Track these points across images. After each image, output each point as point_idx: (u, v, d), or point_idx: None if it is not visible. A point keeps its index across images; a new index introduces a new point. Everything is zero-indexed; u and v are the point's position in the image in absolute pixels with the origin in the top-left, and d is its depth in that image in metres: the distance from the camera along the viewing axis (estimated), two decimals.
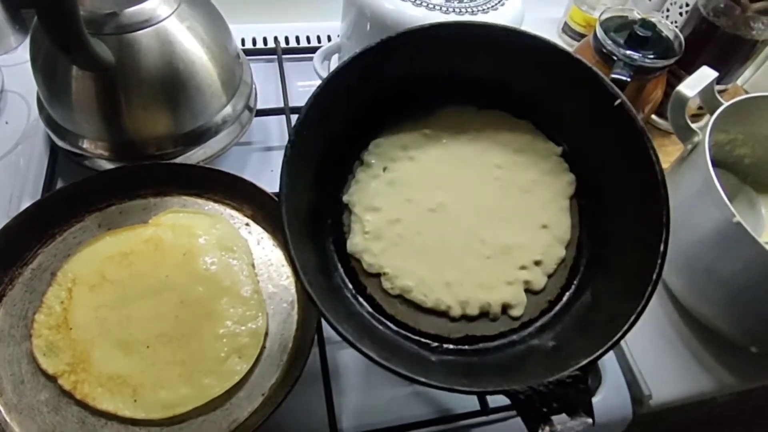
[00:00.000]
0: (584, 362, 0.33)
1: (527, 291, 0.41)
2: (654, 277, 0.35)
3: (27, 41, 0.65)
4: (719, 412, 0.57)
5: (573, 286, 0.42)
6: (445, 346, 0.40)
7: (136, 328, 0.42)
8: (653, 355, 0.50)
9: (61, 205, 0.47)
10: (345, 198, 0.44)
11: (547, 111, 0.45)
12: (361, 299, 0.41)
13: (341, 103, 0.41)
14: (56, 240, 0.47)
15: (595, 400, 0.47)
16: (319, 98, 0.38)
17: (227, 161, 0.58)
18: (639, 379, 0.48)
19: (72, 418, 0.39)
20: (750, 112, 0.52)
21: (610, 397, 0.48)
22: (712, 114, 0.49)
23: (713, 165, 0.45)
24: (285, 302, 0.45)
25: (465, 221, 0.43)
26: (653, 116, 0.67)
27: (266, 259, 0.48)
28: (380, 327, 0.40)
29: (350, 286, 0.42)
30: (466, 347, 0.40)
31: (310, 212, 0.41)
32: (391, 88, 0.44)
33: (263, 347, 0.43)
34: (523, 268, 0.42)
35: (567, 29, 0.77)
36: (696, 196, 0.47)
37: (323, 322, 0.39)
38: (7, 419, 0.38)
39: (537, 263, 0.42)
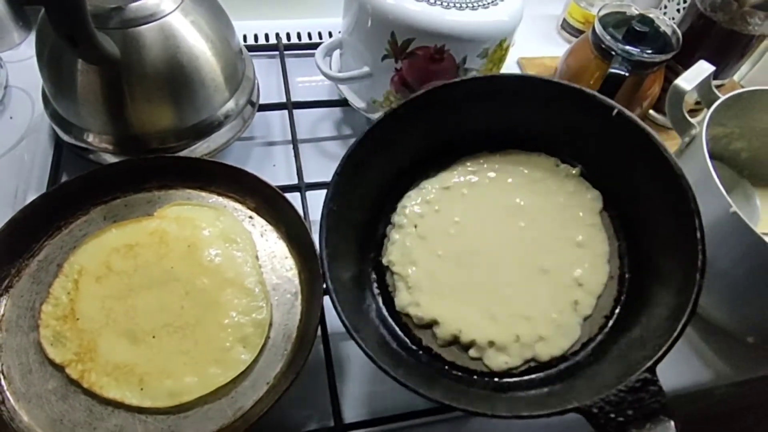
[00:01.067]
0: (650, 363, 0.33)
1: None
2: (698, 276, 0.36)
3: (31, 37, 0.67)
4: (719, 407, 0.57)
5: (623, 297, 0.42)
6: (509, 380, 0.41)
7: (141, 319, 0.43)
8: None
9: (67, 197, 0.47)
10: (385, 260, 0.46)
11: (556, 139, 0.47)
12: (420, 352, 0.43)
13: (364, 173, 0.45)
14: (62, 232, 0.47)
15: None
16: (342, 174, 0.43)
17: (230, 156, 0.58)
18: None
19: (79, 406, 0.40)
20: (747, 106, 0.52)
21: None
22: (709, 108, 0.49)
23: (710, 158, 0.46)
24: (288, 293, 0.46)
25: (501, 259, 0.44)
26: (651, 111, 0.68)
27: (270, 251, 0.48)
28: (442, 374, 0.41)
29: (407, 340, 0.43)
30: (533, 376, 0.41)
31: (353, 279, 0.44)
32: (407, 153, 0.48)
33: (267, 337, 0.43)
34: (575, 302, 0.42)
35: (566, 26, 0.77)
36: (693, 188, 0.47)
37: (331, 314, 0.39)
38: (16, 408, 0.39)
39: (581, 285, 0.42)
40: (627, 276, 0.42)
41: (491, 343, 0.41)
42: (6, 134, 0.57)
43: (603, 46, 0.59)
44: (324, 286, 0.42)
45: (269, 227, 0.50)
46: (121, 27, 0.46)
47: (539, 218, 0.44)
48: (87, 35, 0.41)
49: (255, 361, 0.42)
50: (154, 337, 0.42)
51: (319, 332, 0.43)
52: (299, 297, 0.46)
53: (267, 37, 0.71)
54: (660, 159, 0.39)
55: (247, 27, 0.71)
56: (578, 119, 0.44)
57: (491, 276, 0.43)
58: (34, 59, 0.64)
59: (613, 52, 0.58)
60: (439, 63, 0.53)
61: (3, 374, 0.40)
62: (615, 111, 0.41)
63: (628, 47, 0.58)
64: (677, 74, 0.63)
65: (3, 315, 0.43)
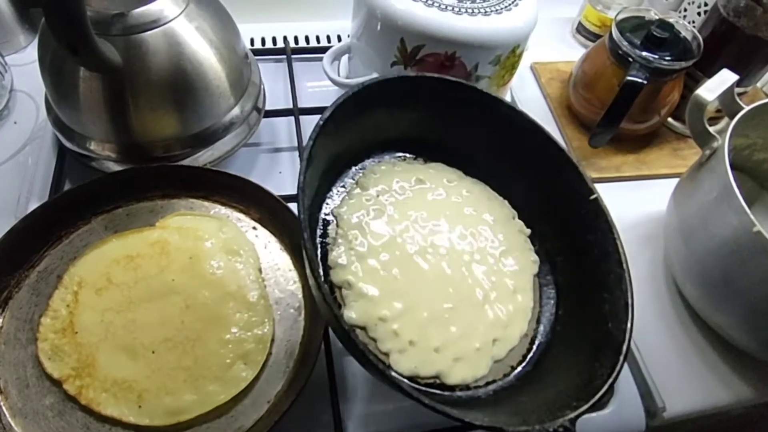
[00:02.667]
0: (572, 415, 0.33)
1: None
2: (621, 358, 0.36)
3: (36, 41, 0.66)
4: (734, 422, 0.55)
5: (531, 356, 0.43)
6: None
7: (141, 333, 0.42)
8: (667, 366, 0.49)
9: (67, 207, 0.47)
10: (335, 210, 0.44)
11: (521, 192, 0.49)
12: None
13: (359, 116, 0.43)
14: (63, 242, 0.46)
15: (607, 411, 0.46)
16: (344, 105, 0.40)
17: (235, 163, 0.57)
18: (653, 391, 0.47)
19: (76, 423, 0.39)
20: None
21: (622, 408, 0.46)
22: (731, 118, 0.47)
23: (731, 169, 0.44)
24: (292, 308, 0.45)
25: (440, 277, 0.43)
26: (669, 119, 0.65)
27: (273, 264, 0.47)
28: None
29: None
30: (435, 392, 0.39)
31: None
32: (397, 127, 0.47)
33: (269, 353, 0.42)
34: (494, 341, 0.42)
35: (581, 29, 0.75)
36: (714, 203, 0.45)
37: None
38: (12, 423, 0.38)
39: (505, 328, 0.42)
40: (539, 340, 0.44)
41: (411, 342, 0.39)
42: (10, 139, 0.57)
43: (620, 52, 0.57)
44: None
45: (273, 238, 0.48)
46: (123, 34, 0.45)
47: (487, 255, 0.45)
48: (87, 43, 0.40)
49: (256, 378, 0.41)
50: (153, 352, 0.41)
51: (322, 348, 0.42)
52: (302, 312, 0.45)
53: (275, 40, 0.70)
54: (615, 253, 0.41)
55: (253, 30, 0.70)
56: (550, 184, 0.46)
57: (429, 283, 0.42)
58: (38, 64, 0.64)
59: (631, 59, 0.56)
60: (450, 70, 0.51)
61: (0, 389, 0.39)
62: (593, 196, 0.44)
63: (646, 53, 0.56)
64: (697, 81, 0.61)
65: (2, 327, 0.42)
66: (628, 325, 0.38)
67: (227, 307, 0.43)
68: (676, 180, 0.57)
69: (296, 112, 0.60)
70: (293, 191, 0.53)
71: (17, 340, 0.42)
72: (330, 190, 0.45)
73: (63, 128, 0.50)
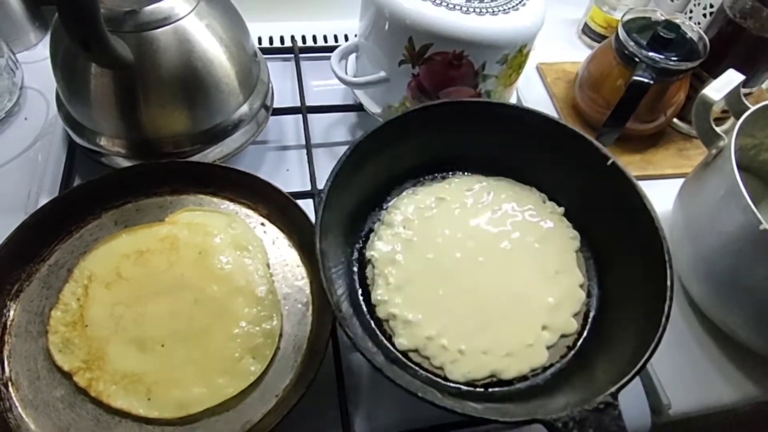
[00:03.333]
0: (614, 389, 0.34)
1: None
2: (666, 308, 0.37)
3: (47, 38, 0.66)
4: (740, 420, 0.55)
5: (585, 333, 0.44)
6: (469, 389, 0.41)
7: (150, 326, 0.42)
8: (673, 364, 0.49)
9: (78, 202, 0.47)
10: (368, 253, 0.45)
11: (547, 176, 0.50)
12: (390, 348, 0.42)
13: (369, 163, 0.45)
14: (73, 237, 0.47)
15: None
16: (351, 156, 0.42)
17: (243, 160, 0.57)
18: (658, 389, 0.47)
19: (86, 415, 0.39)
20: None
21: (628, 406, 0.45)
22: (737, 118, 0.48)
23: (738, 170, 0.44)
24: (300, 303, 0.45)
25: (481, 276, 0.45)
26: (675, 120, 0.65)
27: (281, 259, 0.47)
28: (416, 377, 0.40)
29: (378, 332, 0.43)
30: (493, 390, 0.41)
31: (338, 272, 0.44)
32: (412, 156, 0.49)
33: (277, 348, 0.43)
34: (544, 328, 0.43)
35: (587, 30, 0.76)
36: (720, 202, 0.45)
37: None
38: (23, 415, 0.38)
39: (552, 313, 0.44)
40: (592, 314, 0.45)
41: (461, 352, 0.41)
42: (21, 135, 0.57)
43: (626, 52, 0.57)
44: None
45: (281, 235, 0.49)
46: (135, 30, 0.45)
47: (523, 245, 0.47)
48: (100, 39, 0.40)
49: (264, 372, 0.41)
50: (163, 345, 0.41)
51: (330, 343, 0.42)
52: (310, 307, 0.45)
53: (282, 39, 0.70)
54: (643, 211, 0.42)
55: (261, 29, 0.71)
56: (571, 162, 0.47)
57: (469, 290, 0.44)
58: (48, 60, 0.65)
59: (637, 59, 0.56)
60: (458, 69, 0.51)
61: (11, 380, 0.40)
62: (609, 161, 0.45)
63: (652, 54, 0.56)
64: (703, 81, 0.61)
65: (13, 320, 0.42)
66: (668, 293, 0.39)
67: (236, 302, 0.44)
68: (681, 180, 0.57)
69: (304, 110, 0.60)
70: (300, 188, 0.54)
71: (28, 332, 0.42)
72: (360, 232, 0.47)
73: (74, 124, 0.51)
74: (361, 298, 0.44)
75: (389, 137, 0.45)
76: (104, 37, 0.40)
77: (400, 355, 0.42)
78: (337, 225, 0.44)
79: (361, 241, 0.47)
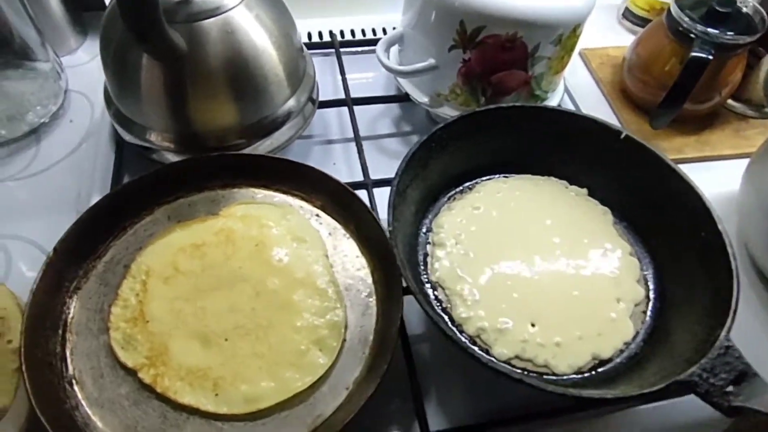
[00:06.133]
0: (724, 331, 0.35)
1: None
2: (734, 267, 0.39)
3: (87, 43, 0.67)
4: None
5: (653, 293, 0.45)
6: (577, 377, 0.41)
7: (212, 321, 0.41)
8: (752, 346, 0.46)
9: (131, 198, 0.46)
10: (433, 277, 0.45)
11: (564, 163, 0.51)
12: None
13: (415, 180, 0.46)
14: (127, 233, 0.46)
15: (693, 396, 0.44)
16: (403, 175, 0.43)
17: (289, 155, 0.56)
18: None
19: (153, 412, 0.38)
20: None
21: None
22: None
23: None
24: (363, 293, 0.44)
25: (543, 270, 0.45)
26: (729, 100, 0.63)
27: (339, 250, 0.46)
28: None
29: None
30: (601, 371, 0.41)
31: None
32: (447, 169, 0.49)
33: (343, 340, 0.41)
34: (618, 300, 0.44)
35: (628, 15, 0.74)
36: None
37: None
38: (90, 413, 0.37)
39: (619, 284, 0.44)
40: (650, 277, 0.46)
41: (557, 344, 0.41)
42: (67, 138, 0.57)
43: (681, 29, 0.55)
44: (404, 285, 0.40)
45: (338, 225, 0.47)
46: (186, 21, 0.44)
47: (566, 232, 0.47)
48: (159, 30, 0.40)
49: (332, 365, 0.40)
50: (226, 339, 0.40)
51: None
52: (374, 297, 0.43)
53: (320, 35, 0.69)
54: (668, 170, 0.45)
55: (300, 25, 0.70)
56: (587, 145, 0.49)
57: (539, 285, 0.44)
58: (91, 64, 0.65)
59: (693, 35, 0.54)
60: (510, 52, 0.50)
61: (75, 378, 0.39)
62: (623, 135, 0.47)
63: (709, 29, 0.54)
64: (760, 58, 0.59)
65: (72, 317, 0.41)
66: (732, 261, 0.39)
67: (297, 294, 0.42)
68: (741, 160, 0.55)
69: (349, 102, 0.59)
70: (350, 180, 0.53)
71: (89, 330, 0.41)
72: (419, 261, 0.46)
73: (123, 121, 0.50)
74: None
75: (443, 144, 0.46)
76: (163, 28, 0.40)
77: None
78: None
79: (420, 267, 0.46)
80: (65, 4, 0.62)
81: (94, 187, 0.51)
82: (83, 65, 0.64)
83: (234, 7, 0.46)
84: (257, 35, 0.48)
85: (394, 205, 0.41)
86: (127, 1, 0.38)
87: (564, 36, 0.51)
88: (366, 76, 0.67)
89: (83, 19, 0.66)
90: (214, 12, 0.45)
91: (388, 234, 0.40)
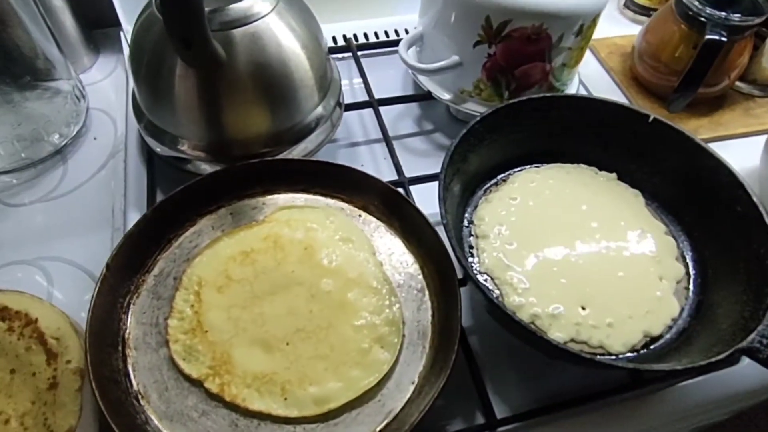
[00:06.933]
0: None
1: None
2: None
3: (100, 61, 0.66)
4: None
5: (691, 269, 0.47)
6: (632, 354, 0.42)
7: (271, 326, 0.41)
8: None
9: (174, 210, 0.46)
10: (482, 268, 0.45)
11: (591, 150, 0.52)
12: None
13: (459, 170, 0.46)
14: (172, 245, 0.46)
15: (740, 366, 0.45)
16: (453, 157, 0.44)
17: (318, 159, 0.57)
18: None
19: (223, 421, 0.38)
20: None
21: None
22: None
23: None
24: (415, 289, 0.44)
25: (586, 254, 0.46)
26: (736, 82, 0.65)
27: (386, 248, 0.46)
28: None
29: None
30: (654, 347, 0.42)
31: None
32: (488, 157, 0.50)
33: (403, 335, 0.41)
34: (660, 278, 0.45)
35: (630, 4, 0.76)
36: None
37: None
38: (160, 427, 0.37)
39: (659, 262, 0.46)
40: (689, 254, 0.48)
41: (610, 325, 0.42)
42: (93, 155, 0.56)
43: (691, 13, 0.57)
44: (460, 276, 0.40)
45: (381, 224, 0.48)
46: (221, 29, 0.44)
47: (603, 216, 0.49)
48: (204, 38, 0.40)
49: (395, 361, 0.40)
50: (287, 344, 0.40)
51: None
52: (426, 292, 0.44)
53: (335, 39, 0.70)
54: (698, 149, 0.46)
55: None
56: (615, 131, 0.50)
57: (584, 269, 0.45)
58: (106, 81, 0.65)
59: (703, 18, 0.56)
60: (536, 44, 0.51)
61: (141, 394, 0.38)
62: (650, 118, 0.48)
63: (719, 12, 0.56)
64: (764, 39, 0.61)
65: (129, 333, 0.41)
66: None
67: (352, 293, 0.43)
68: (753, 138, 0.57)
69: (374, 103, 0.60)
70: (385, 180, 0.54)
71: (147, 344, 0.41)
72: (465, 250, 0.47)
73: (155, 132, 0.50)
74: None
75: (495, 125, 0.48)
76: (207, 34, 0.40)
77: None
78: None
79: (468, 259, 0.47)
80: (78, 22, 0.62)
81: (129, 202, 0.51)
82: (98, 83, 0.64)
83: (266, 15, 0.46)
84: (289, 42, 0.48)
85: (444, 199, 0.41)
86: (174, 10, 0.38)
87: (585, 26, 0.52)
88: (383, 78, 0.67)
89: (95, 37, 0.66)
90: (247, 20, 0.45)
91: (443, 227, 0.40)
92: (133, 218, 0.47)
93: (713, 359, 0.35)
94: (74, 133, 0.57)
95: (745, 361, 0.46)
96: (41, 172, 0.55)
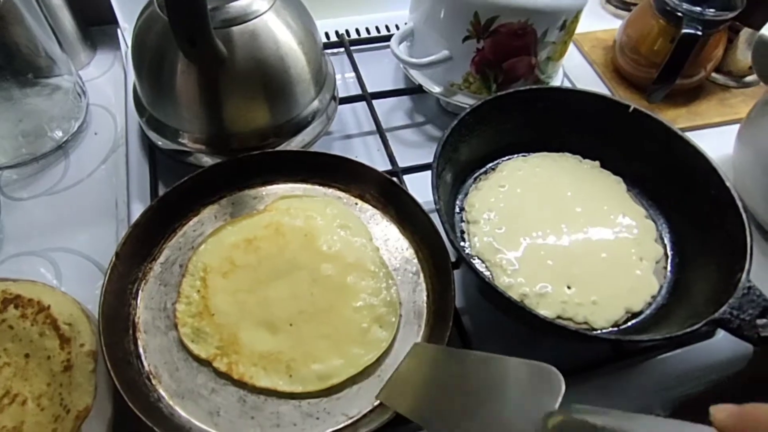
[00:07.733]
0: (744, 274, 0.40)
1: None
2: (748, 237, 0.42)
3: (97, 57, 0.68)
4: None
5: (670, 250, 0.50)
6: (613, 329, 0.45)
7: (276, 309, 0.43)
8: None
9: (179, 200, 0.48)
10: (473, 251, 0.48)
11: (576, 139, 0.55)
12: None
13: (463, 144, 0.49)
14: (177, 234, 0.48)
15: (715, 339, 0.48)
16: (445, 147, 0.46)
17: None
18: None
19: (231, 397, 0.40)
20: None
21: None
22: None
23: None
24: (410, 272, 0.46)
25: (572, 238, 0.49)
26: (712, 74, 0.69)
27: (382, 234, 0.49)
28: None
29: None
30: (634, 322, 0.45)
31: None
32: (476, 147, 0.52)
33: (399, 315, 0.44)
34: (640, 259, 0.48)
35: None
36: None
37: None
38: (171, 404, 0.39)
39: (639, 244, 0.49)
40: (667, 236, 0.51)
41: (594, 302, 0.45)
42: (95, 149, 0.58)
43: (668, 8, 0.60)
44: (453, 259, 0.43)
45: (377, 212, 0.50)
46: (222, 26, 0.46)
47: (586, 201, 0.51)
48: (207, 36, 0.42)
49: (393, 339, 0.42)
50: (291, 324, 0.42)
51: None
52: (421, 275, 0.46)
53: (328, 35, 0.72)
54: (676, 137, 0.49)
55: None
56: (598, 121, 0.53)
57: (569, 251, 0.48)
58: (104, 78, 0.66)
59: (680, 13, 0.59)
60: (522, 38, 0.54)
61: (152, 374, 0.40)
62: (631, 108, 0.51)
63: (694, 7, 0.59)
64: (737, 32, 0.65)
65: (139, 317, 0.43)
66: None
67: (351, 277, 0.45)
68: (728, 126, 0.60)
69: (368, 97, 0.62)
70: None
71: (156, 328, 0.43)
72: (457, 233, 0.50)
73: (157, 126, 0.52)
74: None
75: (470, 128, 0.50)
76: (210, 32, 0.42)
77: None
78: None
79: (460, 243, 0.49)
80: (76, 19, 0.63)
81: (132, 194, 0.53)
82: (96, 79, 0.65)
83: (264, 12, 0.48)
84: (286, 39, 0.50)
85: (437, 186, 0.44)
86: (179, 10, 0.39)
87: (568, 21, 0.54)
88: (375, 72, 0.69)
89: (92, 34, 0.67)
90: (246, 17, 0.47)
91: (437, 213, 0.42)
92: (137, 209, 0.49)
93: (688, 329, 0.38)
94: (75, 128, 0.58)
95: (720, 334, 0.49)
96: (44, 167, 0.56)
